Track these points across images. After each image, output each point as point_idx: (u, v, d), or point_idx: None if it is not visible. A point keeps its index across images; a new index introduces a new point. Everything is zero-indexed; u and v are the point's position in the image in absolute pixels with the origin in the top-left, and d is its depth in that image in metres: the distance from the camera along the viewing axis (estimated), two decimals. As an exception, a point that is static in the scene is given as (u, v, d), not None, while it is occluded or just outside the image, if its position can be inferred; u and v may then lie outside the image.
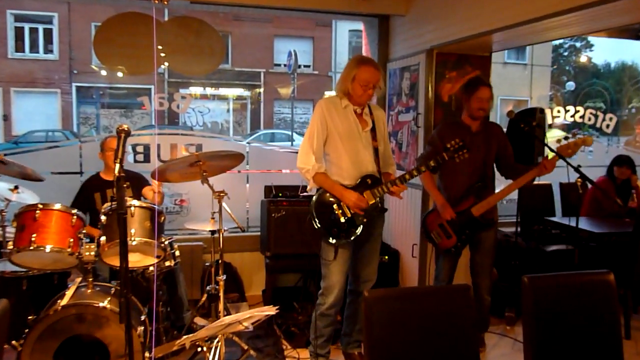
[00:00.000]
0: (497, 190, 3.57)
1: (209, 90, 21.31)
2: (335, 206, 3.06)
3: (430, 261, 3.96)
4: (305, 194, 4.40)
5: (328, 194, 3.06)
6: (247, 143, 5.11)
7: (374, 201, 3.05)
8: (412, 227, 4.42)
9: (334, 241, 3.06)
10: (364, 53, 5.33)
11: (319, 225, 3.07)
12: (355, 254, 3.25)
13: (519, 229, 4.41)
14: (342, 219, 3.05)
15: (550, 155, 3.34)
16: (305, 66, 22.96)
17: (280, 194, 4.45)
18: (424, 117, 4.19)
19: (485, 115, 3.55)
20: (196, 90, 20.87)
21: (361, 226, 3.07)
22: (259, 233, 4.59)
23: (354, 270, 3.27)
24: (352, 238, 3.09)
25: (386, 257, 4.54)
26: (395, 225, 4.77)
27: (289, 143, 18.71)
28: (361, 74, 3.00)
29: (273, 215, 4.22)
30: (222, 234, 3.29)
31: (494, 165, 3.62)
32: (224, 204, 3.32)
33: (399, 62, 4.63)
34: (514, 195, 4.06)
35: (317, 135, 3.06)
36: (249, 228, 4.89)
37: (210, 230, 3.67)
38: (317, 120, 3.06)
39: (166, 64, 4.55)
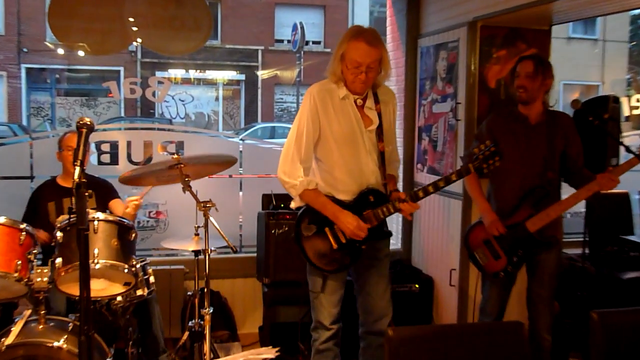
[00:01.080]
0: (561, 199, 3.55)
1: (193, 74, 21.44)
2: (326, 229, 3.05)
3: (474, 290, 3.94)
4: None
5: (318, 213, 3.05)
6: (241, 140, 5.12)
7: (375, 224, 3.04)
8: (450, 247, 4.41)
9: (322, 270, 3.07)
10: (388, 26, 5.33)
11: (303, 250, 3.08)
12: (360, 284, 3.24)
13: (587, 251, 4.36)
14: (335, 245, 3.05)
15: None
16: (314, 42, 23.05)
17: (282, 205, 4.45)
18: (465, 107, 4.19)
19: (546, 105, 3.54)
20: (177, 73, 21.00)
21: (359, 254, 3.08)
22: (254, 254, 4.60)
23: (364, 306, 3.27)
24: (346, 269, 3.10)
25: (416, 286, 4.53)
26: (428, 245, 4.75)
27: (294, 140, 18.70)
28: (349, 52, 2.90)
29: (273, 231, 4.20)
30: (209, 255, 3.30)
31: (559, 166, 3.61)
32: (210, 218, 3.32)
33: (433, 38, 4.64)
34: (581, 206, 4.02)
35: (307, 137, 3.01)
36: (242, 248, 4.89)
37: (193, 251, 3.65)
38: (307, 115, 3.01)
39: (139, 40, 4.58)
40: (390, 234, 3.20)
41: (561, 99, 20.60)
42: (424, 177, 4.71)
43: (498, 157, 3.00)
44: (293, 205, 3.11)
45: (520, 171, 3.48)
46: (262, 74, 22.55)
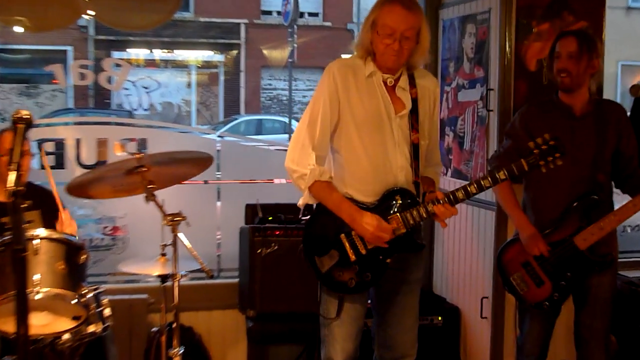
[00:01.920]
0: (615, 208, 3.55)
1: (159, 54, 21.40)
2: (342, 236, 3.07)
3: (512, 323, 3.95)
4: (308, 217, 4.40)
5: (332, 216, 3.08)
6: (219, 137, 5.14)
7: (404, 231, 3.05)
8: (481, 270, 4.41)
9: (337, 291, 3.09)
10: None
11: (313, 265, 3.10)
12: (380, 313, 3.25)
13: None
14: (353, 257, 3.06)
15: None
16: (310, 14, 23.05)
17: (270, 218, 4.45)
18: (499, 95, 4.19)
19: (592, 93, 3.56)
20: (138, 53, 20.95)
21: (383, 270, 3.09)
22: (236, 280, 4.60)
23: (382, 339, 3.28)
24: (366, 288, 3.11)
25: (439, 318, 4.53)
26: (453, 268, 4.75)
27: (285, 136, 18.70)
28: (382, 16, 2.98)
29: (259, 251, 4.21)
30: (178, 281, 3.30)
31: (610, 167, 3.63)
32: (180, 234, 3.32)
33: (459, 9, 4.65)
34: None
35: (323, 121, 3.06)
36: (220, 272, 4.89)
37: (159, 276, 3.65)
38: (325, 95, 3.07)
39: (91, 12, 4.58)
40: (422, 246, 3.21)
41: (619, 84, 20.57)
42: (447, 183, 4.70)
43: (559, 153, 3.01)
44: (301, 202, 3.13)
45: (565, 175, 3.46)
46: (246, 54, 22.53)
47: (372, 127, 3.06)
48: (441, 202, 3.00)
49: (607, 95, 4.17)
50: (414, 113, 3.12)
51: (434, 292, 4.99)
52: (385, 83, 3.09)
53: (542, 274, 3.54)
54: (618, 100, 3.93)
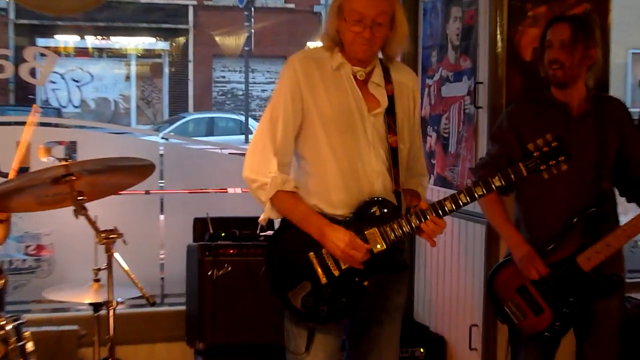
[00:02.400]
0: (622, 222, 3.55)
1: (92, 42, 21.34)
2: (311, 254, 3.04)
3: (505, 356, 3.93)
4: (268, 233, 4.38)
5: (299, 231, 3.05)
6: (163, 138, 5.11)
7: (384, 248, 3.01)
8: (470, 294, 4.43)
9: (306, 320, 3.05)
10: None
11: (278, 291, 3.07)
12: (355, 344, 3.24)
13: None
14: (324, 280, 3.02)
15: None
16: (271, -5, 23.18)
17: (223, 234, 4.47)
18: (489, 89, 4.22)
19: (589, 88, 3.57)
20: (67, 41, 20.89)
21: (360, 295, 3.05)
22: (183, 308, 4.61)
23: None
24: (341, 317, 3.09)
25: (422, 350, 4.54)
26: (437, 292, 4.77)
27: (241, 138, 18.75)
28: (349, 1, 2.97)
29: (210, 273, 4.21)
30: (114, 310, 3.27)
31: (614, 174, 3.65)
32: (116, 255, 3.27)
33: (442, -11, 4.70)
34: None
35: (285, 121, 3.05)
36: (164, 298, 4.90)
37: (92, 304, 3.68)
38: (286, 92, 3.07)
39: (11, -7, 4.58)
40: (405, 266, 3.20)
41: (629, 75, 20.59)
42: (430, 192, 4.66)
43: (564, 156, 3.00)
44: (262, 217, 3.11)
45: (563, 184, 3.46)
46: (195, 41, 22.54)
47: (341, 127, 3.05)
48: (427, 215, 2.98)
49: (615, 88, 4.21)
50: (390, 113, 3.11)
51: (415, 320, 5.01)
52: (355, 77, 3.09)
53: (541, 300, 3.53)
54: (628, 95, 3.96)
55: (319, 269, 3.02)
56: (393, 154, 3.10)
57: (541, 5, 4.19)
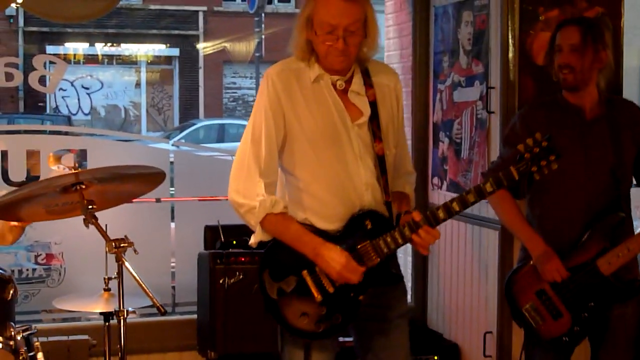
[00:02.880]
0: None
1: (102, 49, 21.39)
2: (305, 272, 3.01)
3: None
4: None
5: (291, 249, 3.04)
6: (174, 146, 5.10)
7: (377, 261, 2.99)
8: (484, 300, 4.42)
9: (302, 337, 3.03)
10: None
11: (271, 306, 3.05)
12: (364, 357, 3.22)
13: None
14: (319, 297, 3.00)
15: None
16: (281, 0, 23.16)
17: (234, 242, 4.46)
18: (502, 94, 4.21)
19: (601, 91, 3.55)
20: (77, 48, 20.93)
21: (356, 310, 3.04)
22: (194, 317, 4.60)
23: None
24: (337, 332, 3.07)
25: (436, 358, 4.54)
26: (450, 298, 4.77)
27: (252, 143, 18.75)
28: (318, 12, 2.92)
29: (222, 281, 4.21)
30: (125, 318, 3.24)
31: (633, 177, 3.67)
32: (127, 264, 3.21)
33: (453, -6, 4.69)
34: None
35: (267, 138, 3.02)
36: (175, 307, 4.90)
37: (102, 314, 3.64)
38: (266, 108, 3.03)
39: (19, 0, 4.54)
40: (400, 278, 3.17)
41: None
42: (443, 197, 4.72)
43: (554, 155, 2.94)
44: (253, 240, 3.08)
45: (579, 188, 3.50)
46: (205, 47, 22.58)
47: (326, 140, 3.02)
48: (420, 224, 2.94)
49: (628, 93, 4.20)
50: (374, 119, 3.07)
51: (428, 327, 5.01)
52: (334, 86, 3.05)
53: (560, 304, 3.52)
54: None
55: (313, 287, 3.00)
56: (380, 162, 3.08)
57: (553, 9, 4.19)
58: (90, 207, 3.21)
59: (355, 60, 3.07)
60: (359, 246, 2.99)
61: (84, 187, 3.20)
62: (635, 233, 3.54)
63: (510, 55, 4.17)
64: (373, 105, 3.07)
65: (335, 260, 2.92)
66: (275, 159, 3.05)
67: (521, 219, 3.62)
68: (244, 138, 3.08)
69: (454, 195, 4.45)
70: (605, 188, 3.52)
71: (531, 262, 3.56)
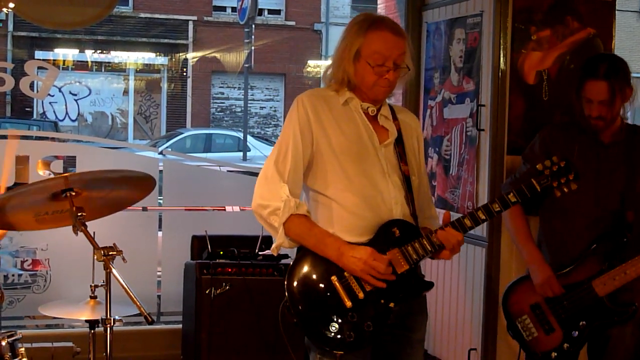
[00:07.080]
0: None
1: (91, 55, 21.29)
2: (334, 278, 3.01)
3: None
4: (267, 252, 4.41)
5: (316, 259, 3.03)
6: (161, 154, 5.10)
7: (407, 267, 3.02)
8: (469, 316, 4.42)
9: (333, 348, 2.98)
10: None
11: (304, 323, 3.01)
12: None
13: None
14: (349, 303, 2.99)
15: None
16: (271, 12, 23.18)
17: (221, 252, 4.44)
18: (492, 111, 4.23)
19: (611, 120, 3.57)
20: (67, 54, 20.80)
21: (386, 318, 3.02)
22: (179, 326, 4.58)
23: None
24: (369, 343, 3.03)
25: None
26: (435, 314, 4.74)
27: (239, 155, 18.66)
28: (372, 44, 3.03)
29: (208, 291, 4.20)
30: (111, 327, 3.24)
31: None
32: (114, 271, 3.22)
33: (445, 10, 4.69)
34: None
35: (294, 155, 3.04)
36: (161, 316, 4.86)
37: (88, 321, 3.63)
38: (295, 127, 3.06)
39: (10, 5, 4.51)
40: (431, 284, 3.15)
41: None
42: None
43: (573, 174, 3.02)
44: (275, 245, 3.07)
45: (588, 209, 3.54)
46: (194, 57, 22.52)
47: (356, 157, 3.07)
48: (443, 228, 3.00)
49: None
50: (400, 143, 3.15)
51: None
52: (364, 111, 3.12)
53: (553, 319, 3.57)
54: (629, 120, 3.96)
55: (343, 293, 2.98)
56: (407, 181, 3.12)
57: (545, 29, 4.22)
58: (79, 214, 3.20)
59: None
60: (388, 252, 2.99)
61: (74, 194, 3.20)
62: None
63: (501, 73, 4.18)
64: (398, 132, 3.15)
65: (359, 253, 2.94)
66: (300, 174, 3.06)
67: (525, 233, 3.68)
68: (270, 155, 3.10)
69: (442, 211, 4.52)
70: (612, 211, 3.55)
71: (528, 278, 3.63)
